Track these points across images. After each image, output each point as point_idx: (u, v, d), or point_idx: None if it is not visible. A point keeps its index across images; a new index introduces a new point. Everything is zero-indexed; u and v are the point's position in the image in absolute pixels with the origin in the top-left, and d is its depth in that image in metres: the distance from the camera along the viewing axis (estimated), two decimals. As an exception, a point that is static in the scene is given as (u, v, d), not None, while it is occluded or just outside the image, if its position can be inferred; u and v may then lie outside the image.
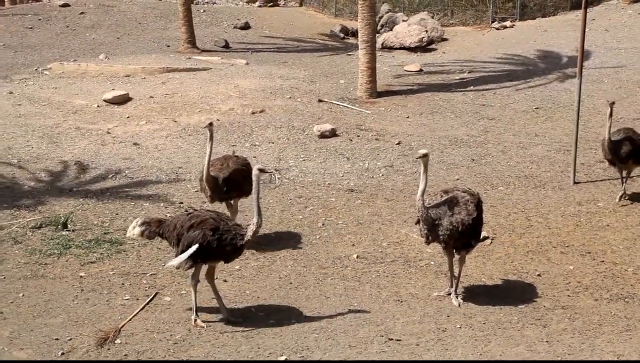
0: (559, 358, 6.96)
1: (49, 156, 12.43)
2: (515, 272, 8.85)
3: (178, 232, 7.52)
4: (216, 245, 7.43)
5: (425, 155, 7.76)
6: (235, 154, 10.14)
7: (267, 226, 10.08)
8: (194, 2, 27.85)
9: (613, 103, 10.64)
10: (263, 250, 9.36)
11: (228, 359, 6.93)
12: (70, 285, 8.49)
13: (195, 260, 7.45)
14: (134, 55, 19.22)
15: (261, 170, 7.55)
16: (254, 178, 7.53)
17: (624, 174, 10.85)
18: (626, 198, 10.80)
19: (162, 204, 10.72)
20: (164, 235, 7.68)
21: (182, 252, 7.44)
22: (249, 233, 7.45)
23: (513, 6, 24.82)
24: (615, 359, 6.95)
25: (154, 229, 7.68)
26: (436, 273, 8.79)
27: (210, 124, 9.19)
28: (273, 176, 11.71)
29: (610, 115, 10.51)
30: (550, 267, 8.94)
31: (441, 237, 7.79)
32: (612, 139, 10.56)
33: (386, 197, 11.11)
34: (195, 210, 7.86)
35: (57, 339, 7.28)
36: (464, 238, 7.83)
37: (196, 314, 7.58)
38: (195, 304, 7.57)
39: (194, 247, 7.38)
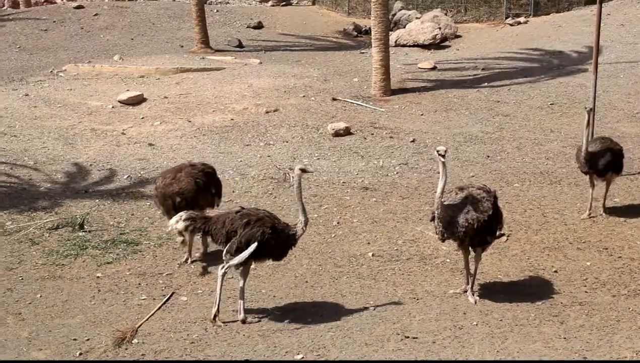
0: (576, 356, 6.92)
1: (64, 157, 12.51)
2: (532, 268, 8.81)
3: (228, 229, 7.47)
4: (273, 244, 7.46)
5: (443, 152, 7.67)
6: (192, 163, 9.56)
7: (282, 225, 10.09)
8: (207, 2, 27.93)
9: (591, 110, 9.86)
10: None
11: (245, 358, 6.94)
12: (87, 285, 8.54)
13: (248, 258, 7.45)
14: (148, 56, 19.30)
15: (303, 170, 7.60)
16: (295, 178, 7.59)
17: (599, 184, 10.11)
18: (606, 212, 10.09)
19: (177, 204, 10.75)
20: (210, 231, 7.59)
21: (239, 249, 7.38)
22: (299, 232, 7.53)
23: (527, 2, 24.72)
24: (635, 355, 6.90)
25: (199, 225, 7.61)
26: (452, 271, 8.76)
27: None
28: (287, 175, 11.72)
29: (588, 124, 9.70)
30: (567, 264, 8.89)
31: (457, 234, 7.77)
32: (590, 151, 9.78)
33: (401, 194, 11.09)
34: (243, 208, 7.75)
35: (75, 339, 7.32)
36: (479, 235, 7.80)
37: (218, 310, 7.56)
38: (219, 301, 7.56)
39: (254, 245, 7.37)
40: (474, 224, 7.68)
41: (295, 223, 7.59)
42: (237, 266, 7.51)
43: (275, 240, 7.47)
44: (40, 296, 8.26)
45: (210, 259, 9.09)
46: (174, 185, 8.85)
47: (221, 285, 7.55)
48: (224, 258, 7.51)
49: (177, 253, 9.31)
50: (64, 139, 13.28)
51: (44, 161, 12.30)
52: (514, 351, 6.98)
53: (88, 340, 7.31)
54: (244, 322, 7.55)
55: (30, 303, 8.12)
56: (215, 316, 7.57)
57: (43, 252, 9.30)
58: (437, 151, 7.65)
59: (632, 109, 14.79)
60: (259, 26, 24.56)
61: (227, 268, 7.51)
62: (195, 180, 8.93)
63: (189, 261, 9.05)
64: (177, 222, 7.59)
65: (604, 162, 9.85)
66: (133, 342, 7.25)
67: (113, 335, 7.33)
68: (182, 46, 21.41)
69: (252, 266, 7.72)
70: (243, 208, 7.75)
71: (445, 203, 7.76)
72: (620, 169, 10.23)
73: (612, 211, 10.31)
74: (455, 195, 7.92)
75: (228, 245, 7.47)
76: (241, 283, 7.58)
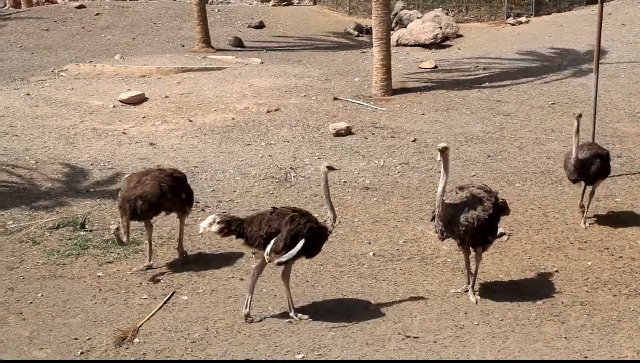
0: (577, 356, 6.92)
1: (65, 157, 12.51)
2: (533, 268, 8.81)
3: (266, 231, 7.42)
4: (315, 240, 7.52)
5: (445, 149, 7.64)
6: (160, 168, 9.38)
7: (283, 224, 10.09)
8: (208, 1, 27.91)
9: (580, 116, 9.41)
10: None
11: (245, 358, 6.95)
12: (88, 285, 8.54)
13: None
14: (149, 56, 19.31)
15: (329, 168, 7.65)
16: (322, 175, 7.64)
17: (587, 190, 9.89)
18: (590, 222, 9.87)
19: (178, 204, 10.75)
20: (245, 234, 7.49)
21: (286, 246, 7.35)
22: (329, 229, 7.63)
23: (528, 1, 24.70)
24: (636, 355, 6.90)
25: (234, 228, 7.50)
26: (453, 271, 8.76)
27: None
28: (288, 175, 11.73)
29: (577, 131, 9.34)
30: (568, 263, 8.88)
31: (457, 233, 7.76)
32: (580, 158, 9.48)
33: (402, 194, 11.09)
34: (276, 208, 7.69)
35: (76, 339, 7.33)
36: (479, 234, 7.79)
37: (249, 307, 7.59)
38: (251, 301, 7.60)
39: (302, 242, 7.38)
40: (474, 223, 7.67)
41: (324, 220, 7.63)
42: (283, 264, 7.49)
43: (316, 236, 7.52)
44: (42, 295, 8.27)
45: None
46: (137, 189, 8.55)
47: (254, 284, 7.56)
48: (265, 257, 7.43)
49: (178, 252, 9.31)
50: (65, 139, 13.28)
51: (45, 160, 12.31)
52: (515, 351, 6.98)
53: (89, 339, 7.32)
54: (247, 317, 7.56)
55: (31, 302, 8.13)
56: (247, 315, 7.58)
57: (44, 252, 9.31)
58: (439, 148, 7.64)
59: (633, 108, 14.78)
60: (260, 26, 24.55)
61: (277, 264, 7.48)
62: (160, 184, 8.66)
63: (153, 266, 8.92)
64: (211, 224, 7.43)
65: (594, 169, 9.61)
66: (134, 341, 7.26)
67: (114, 334, 7.34)
68: (183, 46, 21.41)
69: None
70: (276, 208, 7.70)
71: (446, 201, 7.76)
72: (608, 174, 10.07)
73: (613, 211, 10.30)
74: (455, 194, 7.92)
75: (272, 244, 7.38)
76: (285, 283, 7.61)
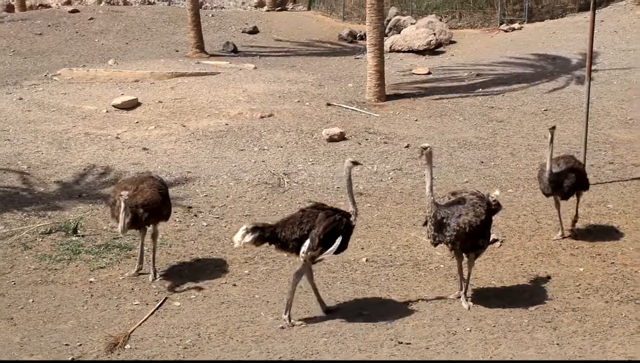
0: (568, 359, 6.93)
1: (58, 161, 12.47)
2: (525, 274, 8.82)
3: (299, 234, 7.41)
4: (347, 236, 7.62)
5: (426, 148, 7.70)
6: (152, 175, 9.38)
7: (276, 230, 10.08)
8: (202, 7, 27.94)
9: (554, 128, 9.31)
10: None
11: (238, 363, 6.94)
12: (80, 290, 8.51)
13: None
14: (142, 61, 19.29)
15: (354, 163, 7.76)
16: (345, 170, 7.72)
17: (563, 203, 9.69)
18: (573, 233, 9.70)
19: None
20: (279, 239, 7.43)
21: (321, 244, 7.38)
22: (354, 224, 7.70)
23: (521, 8, 24.80)
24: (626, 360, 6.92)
25: (268, 235, 7.40)
26: (445, 277, 8.76)
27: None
28: (282, 180, 11.73)
29: (551, 142, 9.21)
30: (560, 269, 8.90)
31: (447, 237, 7.76)
32: (554, 171, 9.33)
33: (395, 200, 11.10)
34: (304, 210, 7.70)
35: (67, 345, 7.30)
36: (471, 239, 7.78)
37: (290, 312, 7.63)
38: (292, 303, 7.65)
39: (340, 238, 7.46)
40: (465, 228, 7.67)
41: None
42: (307, 259, 7.49)
43: (348, 232, 7.61)
44: (33, 301, 8.24)
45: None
46: (137, 197, 8.40)
47: (295, 286, 7.57)
48: (301, 257, 7.43)
49: (171, 258, 9.31)
50: (58, 143, 13.25)
51: (38, 165, 12.27)
52: (507, 357, 6.99)
53: (80, 345, 7.29)
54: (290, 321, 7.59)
55: (22, 308, 8.09)
56: (290, 318, 7.60)
57: (36, 257, 9.27)
58: (421, 146, 7.71)
59: (625, 115, 14.84)
60: (254, 31, 24.57)
61: (319, 261, 7.55)
62: (159, 191, 8.65)
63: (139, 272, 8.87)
64: (244, 236, 7.31)
65: (568, 183, 9.40)
66: (126, 347, 7.24)
67: (105, 340, 7.32)
68: (177, 51, 21.41)
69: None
70: (304, 210, 7.70)
71: (438, 205, 7.76)
72: (587, 186, 9.87)
73: (605, 217, 10.33)
74: (448, 199, 7.93)
75: (309, 242, 7.37)
76: (310, 282, 7.67)
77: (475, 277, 8.48)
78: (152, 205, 8.48)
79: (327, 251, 7.43)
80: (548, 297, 8.21)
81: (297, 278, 7.59)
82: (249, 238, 7.30)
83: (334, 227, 7.44)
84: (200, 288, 8.51)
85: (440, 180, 11.47)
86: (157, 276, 8.70)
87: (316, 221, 7.43)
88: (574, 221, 9.81)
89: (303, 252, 7.40)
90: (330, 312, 7.79)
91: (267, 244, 7.52)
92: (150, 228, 8.75)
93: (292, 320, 7.60)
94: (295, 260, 7.65)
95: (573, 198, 9.79)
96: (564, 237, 9.65)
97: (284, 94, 15.89)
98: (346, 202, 10.87)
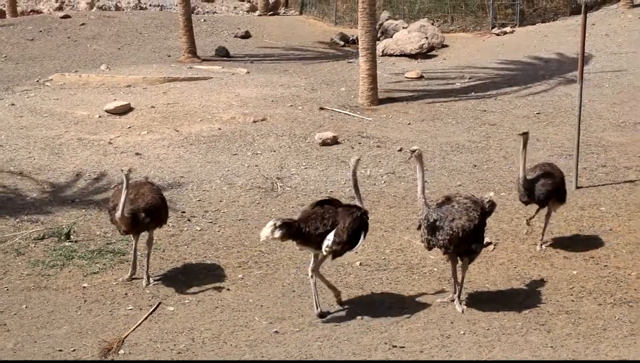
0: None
1: (51, 167, 12.44)
2: (519, 277, 8.84)
3: (322, 229, 7.53)
4: (366, 232, 7.83)
5: (414, 151, 7.80)
6: (149, 180, 9.35)
7: (269, 234, 10.08)
8: (195, 11, 27.94)
9: (526, 133, 9.28)
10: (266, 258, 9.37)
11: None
12: (73, 296, 8.49)
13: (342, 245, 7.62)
14: (135, 66, 19.27)
15: (360, 161, 7.98)
16: (352, 167, 7.87)
17: (542, 212, 9.54)
18: (546, 244, 9.50)
19: (164, 214, 10.71)
20: (305, 234, 7.57)
21: (349, 237, 7.55)
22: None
23: (513, 12, 24.89)
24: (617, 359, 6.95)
25: (294, 231, 7.52)
26: (439, 280, 8.77)
27: (129, 171, 8.22)
28: (275, 184, 11.72)
29: (524, 147, 9.17)
30: (553, 272, 8.92)
31: (441, 241, 7.76)
32: (528, 178, 9.22)
33: (388, 204, 11.11)
34: (322, 206, 7.78)
35: (60, 350, 7.28)
36: (464, 244, 7.79)
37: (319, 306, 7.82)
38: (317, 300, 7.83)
39: (364, 233, 7.72)
40: (458, 232, 7.67)
41: None
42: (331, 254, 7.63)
43: (366, 228, 7.83)
44: (26, 307, 8.21)
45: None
46: (139, 201, 8.39)
47: (316, 284, 7.76)
48: (325, 251, 7.55)
49: (164, 263, 9.29)
50: (50, 149, 13.21)
51: (30, 171, 12.23)
52: (501, 360, 6.99)
53: (74, 350, 7.27)
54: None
55: (15, 314, 8.06)
56: (320, 314, 7.77)
57: (29, 263, 9.24)
58: (411, 150, 7.83)
59: (617, 118, 14.89)
60: (247, 36, 24.58)
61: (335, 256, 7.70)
62: (159, 196, 8.68)
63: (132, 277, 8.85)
64: (273, 231, 7.39)
65: (543, 191, 9.20)
66: (119, 352, 7.22)
67: (99, 345, 7.30)
68: (170, 56, 21.39)
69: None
70: (322, 206, 7.78)
71: (431, 208, 7.77)
72: (564, 198, 9.57)
73: (598, 220, 10.36)
74: (442, 203, 7.94)
75: (333, 236, 7.50)
76: (316, 275, 7.79)
77: (469, 280, 8.50)
78: (153, 209, 8.49)
79: (354, 248, 7.66)
80: (542, 300, 8.23)
81: (317, 274, 7.79)
82: (277, 233, 7.40)
83: (358, 223, 7.62)
84: (194, 293, 8.50)
85: (433, 184, 11.49)
86: (151, 281, 8.69)
87: (338, 217, 7.57)
88: (542, 235, 9.49)
89: (327, 247, 7.52)
90: (324, 316, 7.83)
91: (291, 240, 7.63)
92: (145, 234, 8.73)
93: (322, 311, 7.81)
94: (307, 258, 7.75)
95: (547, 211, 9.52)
96: (542, 247, 9.46)
97: (276, 98, 15.89)
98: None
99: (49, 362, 7.00)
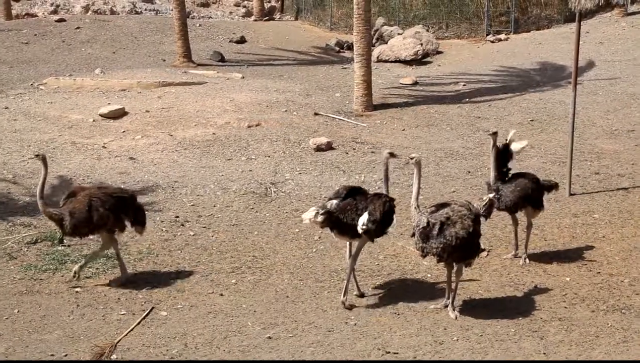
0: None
1: (44, 171, 12.39)
2: (512, 284, 8.84)
3: (354, 218, 7.82)
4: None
5: (414, 157, 7.95)
6: (104, 185, 9.29)
7: (263, 239, 10.08)
8: (190, 16, 27.95)
9: (495, 133, 9.07)
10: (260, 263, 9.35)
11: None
12: (66, 300, 8.45)
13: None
14: (129, 70, 19.26)
15: (391, 154, 8.18)
16: (383, 160, 8.18)
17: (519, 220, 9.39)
18: (526, 261, 9.22)
19: (157, 218, 10.70)
20: (343, 224, 7.88)
21: (382, 219, 7.88)
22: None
23: (507, 19, 24.98)
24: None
25: (334, 219, 7.83)
26: (433, 286, 8.77)
27: (39, 156, 8.66)
28: (269, 189, 11.72)
29: (494, 145, 9.02)
30: (546, 279, 8.93)
31: (434, 249, 7.75)
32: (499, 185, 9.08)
33: (382, 209, 11.09)
34: (354, 197, 8.01)
35: (52, 355, 7.24)
36: (458, 252, 7.78)
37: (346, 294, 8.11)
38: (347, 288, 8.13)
39: (395, 216, 8.01)
40: (452, 241, 7.67)
41: None
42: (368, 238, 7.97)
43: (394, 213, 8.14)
44: (18, 311, 8.17)
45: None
46: (70, 206, 8.59)
47: (352, 270, 8.14)
48: (361, 229, 7.79)
49: (158, 268, 9.27)
50: (44, 153, 13.17)
51: (23, 175, 12.21)
52: (495, 360, 7.00)
53: (66, 355, 7.24)
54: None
55: (7, 318, 8.03)
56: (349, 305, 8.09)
57: (21, 267, 9.21)
58: (410, 157, 8.01)
59: (610, 125, 14.94)
60: (242, 41, 24.61)
61: (370, 236, 7.96)
62: (96, 199, 8.62)
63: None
64: (317, 215, 7.74)
65: (513, 197, 9.06)
66: (112, 357, 7.19)
67: (91, 350, 7.26)
68: (164, 60, 21.39)
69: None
70: (354, 197, 7.98)
71: (425, 215, 7.77)
72: (540, 205, 9.37)
73: (591, 227, 10.38)
74: (436, 211, 7.93)
75: (369, 215, 7.78)
76: (352, 265, 8.11)
77: (462, 286, 8.50)
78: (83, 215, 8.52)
79: (389, 227, 7.98)
80: (535, 307, 8.23)
81: (354, 262, 8.08)
82: (320, 218, 7.74)
83: (388, 205, 7.93)
84: (187, 298, 8.48)
85: (427, 190, 11.50)
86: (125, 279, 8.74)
87: (368, 202, 7.88)
88: (526, 246, 9.33)
89: (363, 224, 7.79)
90: (363, 297, 8.37)
91: (329, 228, 7.95)
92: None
93: (347, 302, 8.10)
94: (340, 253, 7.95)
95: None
96: (516, 256, 9.39)
97: (271, 103, 15.90)
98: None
99: (46, 361, 6.96)
